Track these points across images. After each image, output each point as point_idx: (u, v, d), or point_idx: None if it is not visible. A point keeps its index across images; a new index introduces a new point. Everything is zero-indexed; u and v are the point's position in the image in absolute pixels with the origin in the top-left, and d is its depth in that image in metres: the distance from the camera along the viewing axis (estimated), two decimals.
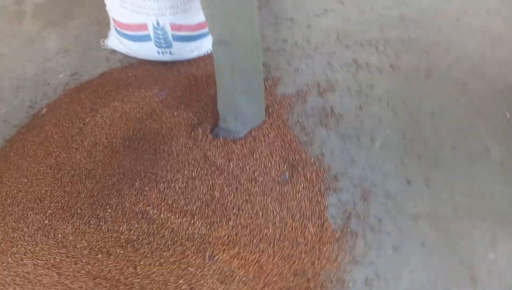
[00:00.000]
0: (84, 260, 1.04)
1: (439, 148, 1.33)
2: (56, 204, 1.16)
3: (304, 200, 1.21)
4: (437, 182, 1.26)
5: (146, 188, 1.18)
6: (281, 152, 1.32)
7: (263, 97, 1.32)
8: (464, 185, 1.25)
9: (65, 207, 1.15)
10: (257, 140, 1.33)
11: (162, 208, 1.14)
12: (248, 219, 1.15)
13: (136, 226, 1.10)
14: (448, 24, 1.66)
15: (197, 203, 1.16)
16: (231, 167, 1.25)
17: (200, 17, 1.45)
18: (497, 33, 1.60)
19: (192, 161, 1.25)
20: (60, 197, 1.18)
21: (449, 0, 1.75)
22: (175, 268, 1.03)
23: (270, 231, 1.13)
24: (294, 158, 1.30)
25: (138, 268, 1.02)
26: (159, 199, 1.16)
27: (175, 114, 1.39)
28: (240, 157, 1.29)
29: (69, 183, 1.21)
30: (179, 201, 1.16)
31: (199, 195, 1.18)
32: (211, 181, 1.22)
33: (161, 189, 1.18)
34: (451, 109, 1.42)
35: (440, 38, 1.61)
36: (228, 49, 1.14)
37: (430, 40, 1.61)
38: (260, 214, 1.16)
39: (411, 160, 1.31)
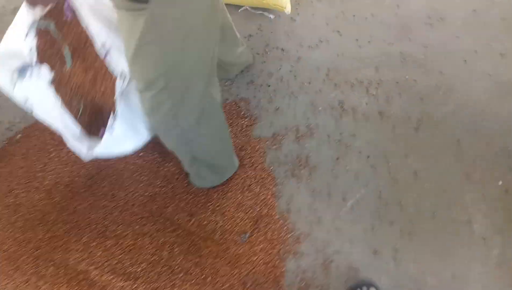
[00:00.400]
0: None
1: (416, 215, 1.28)
2: (4, 253, 1.21)
3: (260, 264, 1.20)
4: (406, 255, 1.22)
5: (93, 244, 1.20)
6: (250, 206, 1.31)
7: (232, 161, 1.31)
8: (436, 261, 1.20)
9: (11, 258, 1.19)
10: (226, 192, 1.33)
11: (106, 269, 1.16)
12: (195, 286, 1.16)
13: (76, 288, 1.12)
14: (453, 66, 1.58)
15: (142, 265, 1.18)
16: (191, 222, 1.25)
17: None
18: (506, 81, 1.51)
19: (147, 214, 1.26)
20: (9, 245, 1.23)
21: (459, 38, 1.65)
22: None
23: None
24: (261, 213, 1.29)
25: None
26: (104, 258, 1.18)
27: (141, 154, 1.41)
28: (203, 211, 1.29)
29: (21, 229, 1.25)
30: (124, 261, 1.18)
31: (146, 256, 1.19)
32: (162, 239, 1.22)
33: (108, 246, 1.20)
34: (437, 169, 1.36)
35: (440, 82, 1.54)
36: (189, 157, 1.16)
37: (428, 85, 1.54)
38: (209, 280, 1.17)
39: (382, 226, 1.27)
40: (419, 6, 1.79)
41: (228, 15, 1.41)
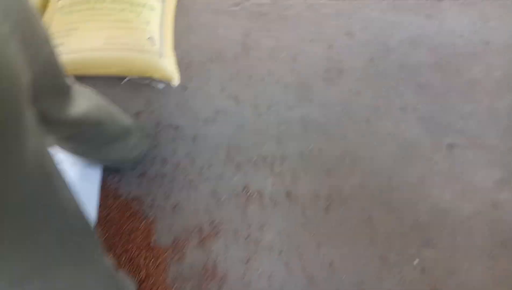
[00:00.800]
0: None
1: None
2: None
3: None
4: None
5: None
6: None
7: None
8: None
9: None
10: None
11: None
12: None
13: None
14: (356, 128, 1.53)
15: None
16: None
17: None
18: (409, 141, 1.48)
19: None
20: None
21: (359, 93, 1.60)
22: None
23: None
24: None
25: None
26: None
27: None
28: None
29: None
30: None
31: None
32: None
33: None
34: (352, 256, 1.30)
35: (345, 150, 1.48)
36: None
37: (333, 154, 1.47)
38: None
39: None
40: (316, 57, 1.72)
41: (111, 111, 1.25)
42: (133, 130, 1.39)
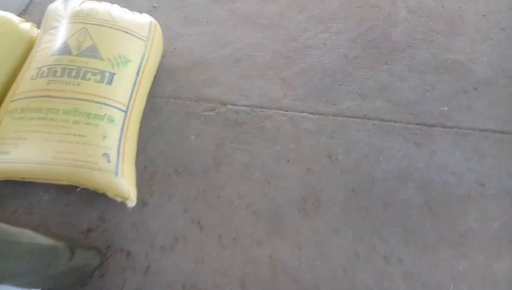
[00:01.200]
0: None
1: None
2: None
3: None
4: None
5: None
6: None
7: None
8: None
9: None
10: None
11: None
12: None
13: None
14: (331, 279, 1.35)
15: None
16: None
17: None
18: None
19: None
20: None
21: (337, 232, 1.42)
22: None
23: None
24: None
25: None
26: None
27: None
28: None
29: None
30: None
31: None
32: None
33: None
34: None
35: None
36: None
37: None
38: None
39: None
40: (293, 182, 1.54)
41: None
42: (60, 251, 1.18)
